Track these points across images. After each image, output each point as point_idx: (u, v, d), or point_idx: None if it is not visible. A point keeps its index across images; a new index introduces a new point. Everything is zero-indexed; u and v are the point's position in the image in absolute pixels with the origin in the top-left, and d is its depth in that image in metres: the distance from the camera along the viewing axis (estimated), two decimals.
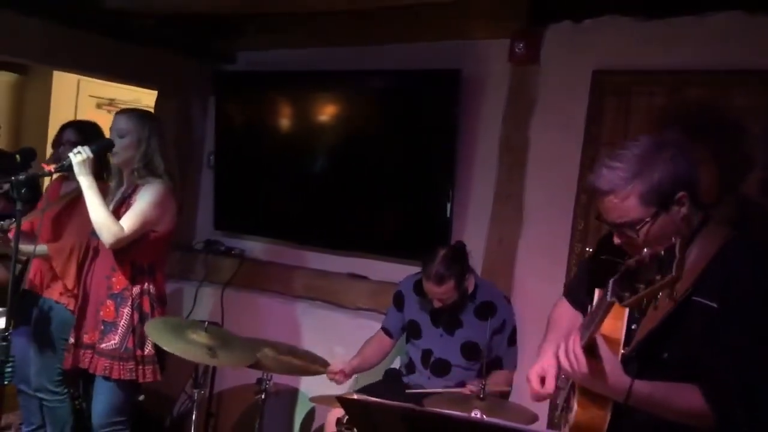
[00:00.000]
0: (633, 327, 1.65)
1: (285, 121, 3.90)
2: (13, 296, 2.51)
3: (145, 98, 4.85)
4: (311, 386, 3.57)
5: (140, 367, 2.76)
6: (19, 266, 2.90)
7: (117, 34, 3.64)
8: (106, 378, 2.74)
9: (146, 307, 2.80)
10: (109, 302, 2.76)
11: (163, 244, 2.88)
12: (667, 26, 2.79)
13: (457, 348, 2.93)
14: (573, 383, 1.73)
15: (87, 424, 2.97)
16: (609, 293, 1.46)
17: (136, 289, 2.79)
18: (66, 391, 3.17)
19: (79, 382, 3.16)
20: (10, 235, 2.83)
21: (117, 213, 2.75)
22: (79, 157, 2.65)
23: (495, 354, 2.92)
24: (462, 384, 2.88)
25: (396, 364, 3.28)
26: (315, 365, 3.02)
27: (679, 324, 1.56)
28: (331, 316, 3.68)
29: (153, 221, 2.77)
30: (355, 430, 2.46)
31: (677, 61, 2.78)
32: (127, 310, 2.76)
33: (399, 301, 3.10)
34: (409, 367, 3.06)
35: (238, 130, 4.05)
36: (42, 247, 3.00)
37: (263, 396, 2.96)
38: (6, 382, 3.31)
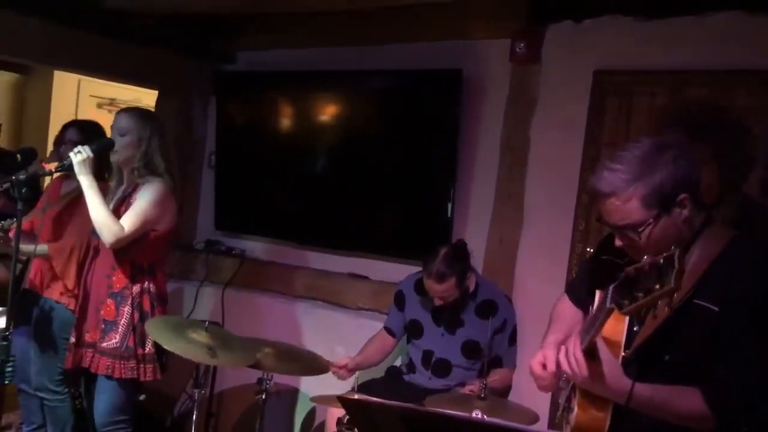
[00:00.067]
0: (634, 329, 1.65)
1: (286, 121, 3.89)
2: (13, 296, 2.51)
3: (146, 98, 4.85)
4: (312, 386, 3.56)
5: (141, 365, 2.77)
6: (19, 266, 2.90)
7: (117, 34, 3.65)
8: (108, 377, 2.75)
9: (146, 306, 2.80)
10: (109, 301, 2.77)
11: (164, 244, 2.88)
12: (667, 26, 2.79)
13: (458, 347, 2.93)
14: (574, 384, 1.73)
15: (88, 423, 2.97)
16: (609, 299, 1.47)
17: (136, 288, 2.79)
18: (67, 390, 3.17)
19: (81, 381, 3.16)
20: (11, 234, 2.84)
21: (117, 212, 2.75)
22: (79, 156, 2.65)
23: (495, 353, 2.92)
24: (462, 385, 2.88)
25: (398, 362, 3.28)
26: (316, 365, 3.02)
27: (680, 327, 1.56)
28: (332, 316, 3.68)
29: (153, 220, 2.77)
30: (355, 429, 2.46)
31: (678, 61, 2.78)
32: (127, 309, 2.76)
33: (400, 301, 3.10)
34: (410, 367, 3.06)
35: (238, 130, 4.05)
36: (42, 247, 3.00)
37: (264, 396, 2.95)
38: (6, 382, 3.31)
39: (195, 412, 3.15)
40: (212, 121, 4.19)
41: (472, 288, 2.93)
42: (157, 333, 2.68)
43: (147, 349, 2.78)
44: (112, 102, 5.52)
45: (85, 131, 3.22)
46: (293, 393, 3.82)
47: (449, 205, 3.28)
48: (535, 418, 2.56)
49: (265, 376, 2.94)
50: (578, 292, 2.01)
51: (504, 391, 2.96)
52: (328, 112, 3.72)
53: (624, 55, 2.91)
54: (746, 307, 1.52)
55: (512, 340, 2.97)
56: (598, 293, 1.71)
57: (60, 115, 5.06)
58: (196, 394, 3.23)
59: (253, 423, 3.09)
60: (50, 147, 3.67)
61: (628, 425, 1.61)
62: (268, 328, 3.71)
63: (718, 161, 2.64)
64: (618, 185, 1.59)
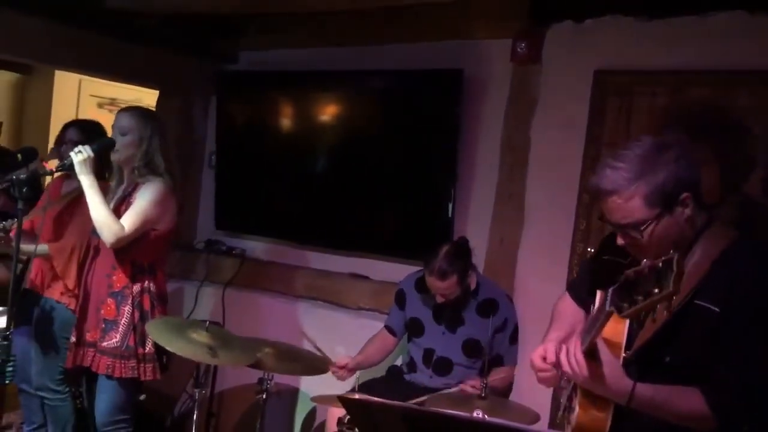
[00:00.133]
0: (635, 330, 1.64)
1: (286, 121, 3.89)
2: (14, 296, 2.51)
3: (147, 98, 4.85)
4: (312, 386, 3.56)
5: (141, 365, 2.77)
6: (20, 266, 2.91)
7: (118, 34, 3.65)
8: (109, 377, 2.75)
9: (147, 306, 2.81)
10: (109, 300, 2.77)
11: (164, 243, 2.88)
12: (668, 26, 2.79)
13: (458, 346, 2.93)
14: (575, 383, 1.73)
15: (88, 423, 2.97)
16: (608, 302, 1.47)
17: (136, 288, 2.79)
18: (67, 389, 3.17)
19: (82, 380, 3.16)
20: (12, 234, 2.84)
21: (117, 211, 2.75)
22: (80, 156, 2.65)
23: (496, 352, 2.92)
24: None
25: (399, 361, 3.28)
26: (316, 365, 3.02)
27: (680, 327, 1.56)
28: (332, 316, 3.68)
29: (153, 220, 2.77)
30: (356, 429, 2.46)
31: (679, 61, 2.78)
32: (127, 308, 2.76)
33: (401, 300, 3.10)
34: (411, 365, 3.06)
35: (239, 130, 4.05)
36: (43, 247, 3.00)
37: (264, 396, 2.95)
38: (7, 382, 3.32)
39: (195, 412, 3.15)
40: (213, 121, 4.19)
41: (473, 286, 2.93)
42: (158, 333, 2.68)
43: (147, 348, 2.78)
44: (112, 102, 5.52)
45: (85, 131, 3.22)
46: (294, 393, 3.82)
47: (450, 205, 3.28)
48: (536, 418, 2.56)
49: (266, 376, 2.94)
50: (579, 291, 2.01)
51: (506, 388, 2.96)
52: (328, 112, 3.72)
53: (625, 55, 2.91)
54: (747, 308, 1.52)
55: (513, 339, 2.97)
56: (598, 293, 1.71)
57: (61, 114, 5.06)
58: (197, 394, 3.22)
59: (254, 423, 3.09)
60: (51, 147, 3.67)
61: (629, 425, 1.61)
62: (269, 328, 3.71)
63: (719, 161, 2.64)
64: (620, 183, 1.59)
